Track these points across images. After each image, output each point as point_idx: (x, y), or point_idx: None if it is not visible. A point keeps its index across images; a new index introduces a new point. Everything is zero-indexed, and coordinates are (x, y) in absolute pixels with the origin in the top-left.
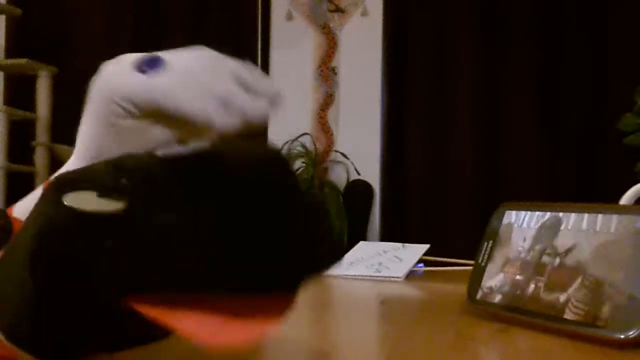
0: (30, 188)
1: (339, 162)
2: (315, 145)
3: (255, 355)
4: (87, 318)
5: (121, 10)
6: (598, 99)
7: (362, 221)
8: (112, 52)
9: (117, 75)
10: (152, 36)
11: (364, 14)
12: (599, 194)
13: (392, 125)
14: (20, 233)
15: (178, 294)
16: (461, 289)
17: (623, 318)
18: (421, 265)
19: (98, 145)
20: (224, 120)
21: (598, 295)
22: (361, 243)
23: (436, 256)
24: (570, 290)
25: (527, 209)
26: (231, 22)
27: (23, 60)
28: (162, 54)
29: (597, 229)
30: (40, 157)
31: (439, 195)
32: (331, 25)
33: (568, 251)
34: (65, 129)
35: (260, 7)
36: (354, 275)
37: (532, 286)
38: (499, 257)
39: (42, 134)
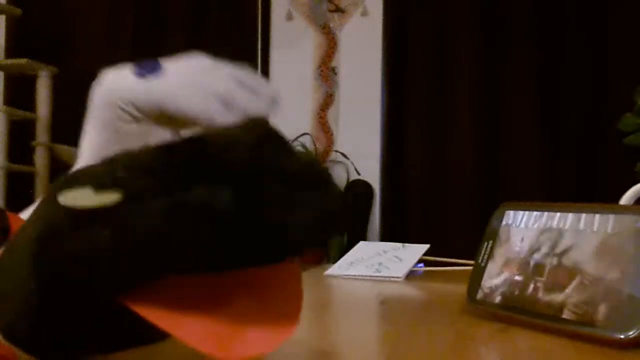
0: (30, 188)
1: (339, 162)
2: (315, 145)
3: (255, 355)
4: (86, 317)
5: (121, 10)
6: (598, 99)
7: (362, 221)
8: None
9: (118, 82)
10: (152, 36)
11: (364, 14)
12: (599, 194)
13: (392, 125)
14: (20, 233)
15: (181, 293)
16: (461, 289)
17: (623, 318)
18: (421, 265)
19: (104, 151)
20: (225, 118)
21: (598, 295)
22: (361, 243)
23: (436, 256)
24: (570, 290)
25: (527, 209)
26: (231, 22)
27: (23, 60)
28: (160, 60)
29: (597, 229)
30: (40, 157)
31: (439, 195)
32: (331, 25)
33: (568, 251)
34: (65, 129)
35: (260, 7)
36: (354, 275)
37: (532, 286)
38: (499, 257)
39: (42, 134)
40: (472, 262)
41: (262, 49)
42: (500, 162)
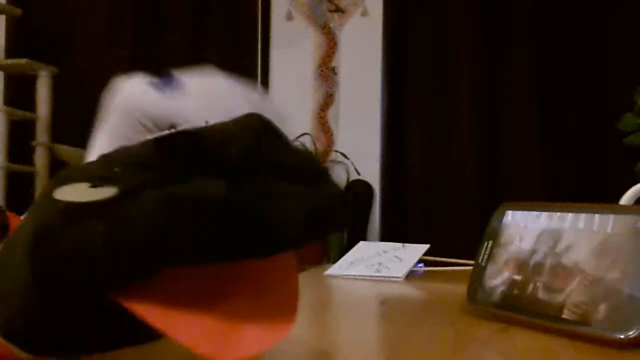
0: (30, 188)
1: (339, 162)
2: (315, 145)
3: (254, 355)
4: (83, 314)
5: (121, 10)
6: (598, 99)
7: (362, 221)
8: (112, 52)
9: (139, 95)
10: (152, 36)
11: (364, 14)
12: (599, 194)
13: (392, 125)
14: (17, 230)
15: (176, 291)
16: (461, 289)
17: (623, 318)
18: (421, 265)
19: None
20: None
21: (598, 295)
22: (361, 243)
23: (436, 256)
24: (570, 290)
25: (527, 209)
26: (231, 22)
27: (23, 60)
28: (177, 75)
29: (597, 229)
30: (40, 157)
31: (439, 195)
32: (331, 25)
33: (568, 251)
34: (65, 129)
35: (260, 7)
36: (354, 275)
37: (531, 286)
38: (499, 257)
39: (42, 134)
40: (472, 262)
41: (262, 49)
42: (500, 162)
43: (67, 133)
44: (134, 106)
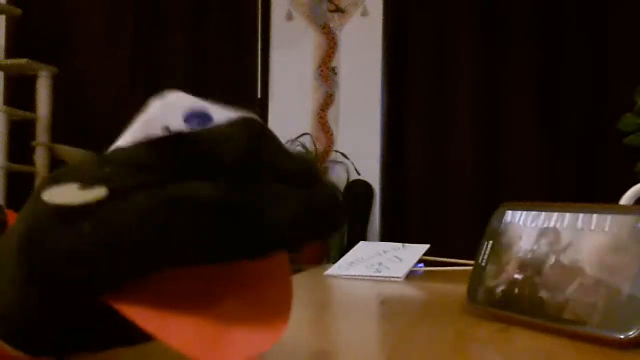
0: (30, 188)
1: (339, 162)
2: (315, 145)
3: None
4: (74, 315)
5: (121, 10)
6: (598, 99)
7: (362, 221)
8: (112, 52)
9: (161, 118)
10: (152, 36)
11: (364, 14)
12: (599, 194)
13: (392, 125)
14: (10, 229)
15: (166, 292)
16: (461, 289)
17: (623, 318)
18: (421, 265)
19: None
20: None
21: (598, 295)
22: (361, 243)
23: (436, 256)
24: (570, 290)
25: (527, 209)
26: (231, 22)
27: (23, 60)
28: (209, 107)
29: (597, 228)
30: (40, 157)
31: (439, 195)
32: (331, 25)
33: (568, 251)
34: (65, 129)
35: (260, 7)
36: (354, 275)
37: (531, 286)
38: (499, 257)
39: (42, 134)
40: (472, 262)
41: (262, 49)
42: (500, 162)
43: (67, 133)
44: (155, 126)
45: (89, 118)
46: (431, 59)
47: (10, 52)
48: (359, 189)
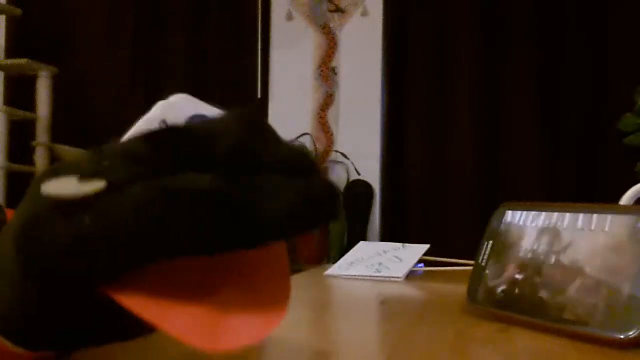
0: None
1: (339, 162)
2: (315, 145)
3: (254, 355)
4: (72, 308)
5: (121, 10)
6: (598, 99)
7: (362, 221)
8: (112, 52)
9: (161, 118)
10: (152, 36)
11: (364, 14)
12: (599, 194)
13: (392, 125)
14: (8, 225)
15: (164, 281)
16: (461, 289)
17: (623, 318)
18: (421, 265)
19: None
20: None
21: (598, 295)
22: (361, 243)
23: (436, 256)
24: (570, 290)
25: (527, 209)
26: (231, 22)
27: (23, 60)
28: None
29: (597, 229)
30: (40, 157)
31: (439, 195)
32: (331, 25)
33: (568, 251)
34: (65, 129)
35: (260, 7)
36: (354, 275)
37: (531, 286)
38: (499, 257)
39: (42, 134)
40: (472, 262)
41: (262, 49)
42: (500, 162)
43: (67, 133)
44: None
45: (89, 118)
46: (431, 59)
47: (10, 52)
48: (359, 189)
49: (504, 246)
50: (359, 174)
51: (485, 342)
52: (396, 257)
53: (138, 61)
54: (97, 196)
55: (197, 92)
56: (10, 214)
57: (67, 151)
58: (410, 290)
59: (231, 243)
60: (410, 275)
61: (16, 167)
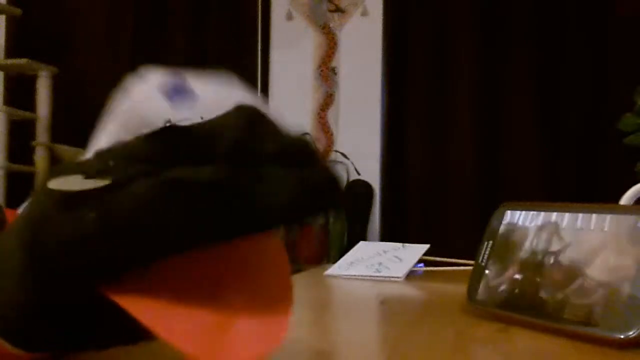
0: (30, 188)
1: (339, 162)
2: (315, 145)
3: None
4: (78, 309)
5: (121, 10)
6: (598, 99)
7: (362, 221)
8: (112, 52)
9: (149, 105)
10: (152, 36)
11: (364, 14)
12: (599, 194)
13: (392, 125)
14: (11, 225)
15: (166, 285)
16: (461, 289)
17: (623, 318)
18: (421, 265)
19: None
20: None
21: (598, 295)
22: (361, 243)
23: (436, 256)
24: (570, 290)
25: (527, 209)
26: (231, 22)
27: (23, 60)
28: (191, 81)
29: (597, 228)
30: (40, 157)
31: (439, 195)
32: (331, 25)
33: (567, 251)
34: (65, 129)
35: (260, 7)
36: (354, 275)
37: (531, 286)
38: (499, 257)
39: (42, 134)
40: (472, 262)
41: (262, 49)
42: (500, 162)
43: (67, 133)
44: (137, 115)
45: (89, 118)
46: (431, 59)
47: (10, 52)
48: (359, 189)
49: (504, 246)
50: (359, 174)
51: (485, 342)
52: (396, 257)
53: (138, 61)
54: (102, 192)
55: None
56: (10, 214)
57: (67, 151)
58: (410, 290)
59: (231, 231)
60: (410, 275)
61: (16, 167)
